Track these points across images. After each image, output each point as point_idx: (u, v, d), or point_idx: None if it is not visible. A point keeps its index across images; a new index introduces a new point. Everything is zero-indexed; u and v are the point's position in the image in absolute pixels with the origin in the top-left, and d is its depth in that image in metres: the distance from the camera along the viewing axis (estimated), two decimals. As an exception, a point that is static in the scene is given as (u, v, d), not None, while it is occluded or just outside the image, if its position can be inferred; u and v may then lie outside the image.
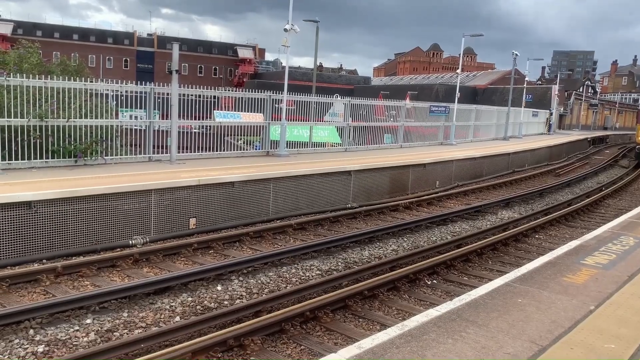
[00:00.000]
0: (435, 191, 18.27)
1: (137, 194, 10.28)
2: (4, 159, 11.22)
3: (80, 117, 12.40)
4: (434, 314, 5.15)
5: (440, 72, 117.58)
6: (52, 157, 12.03)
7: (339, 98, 22.91)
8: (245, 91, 17.35)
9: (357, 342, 4.64)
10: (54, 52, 75.55)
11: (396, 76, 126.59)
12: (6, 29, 79.99)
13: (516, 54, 33.72)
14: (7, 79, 11.44)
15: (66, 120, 12.04)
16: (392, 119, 23.82)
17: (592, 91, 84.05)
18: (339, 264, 9.77)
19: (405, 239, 11.89)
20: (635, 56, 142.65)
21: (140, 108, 13.97)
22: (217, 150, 15.78)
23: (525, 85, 40.20)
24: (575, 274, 6.28)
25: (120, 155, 13.37)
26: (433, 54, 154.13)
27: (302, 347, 6.29)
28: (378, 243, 11.42)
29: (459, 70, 29.75)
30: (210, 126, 16.22)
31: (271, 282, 8.53)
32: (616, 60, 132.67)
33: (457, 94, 26.80)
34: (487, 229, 12.85)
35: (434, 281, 9.08)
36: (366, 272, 8.97)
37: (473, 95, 62.49)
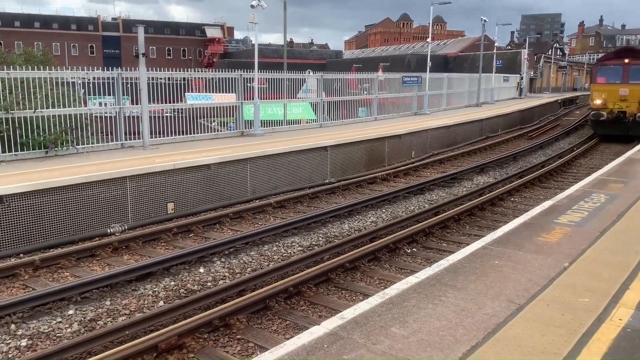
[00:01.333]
0: (412, 161, 18.41)
1: (112, 181, 10.15)
2: (-29, 154, 10.94)
3: (48, 107, 12.11)
4: (414, 281, 5.24)
5: (411, 42, 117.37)
6: (22, 150, 11.77)
7: (311, 74, 22.78)
8: (216, 71, 17.10)
9: (339, 312, 4.71)
10: (16, 42, 73.36)
11: (368, 48, 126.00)
12: (-37, 20, 77.13)
13: (485, 20, 33.79)
14: (-33, 71, 11.09)
15: (33, 111, 11.75)
16: (365, 92, 23.80)
17: (561, 53, 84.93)
18: (320, 239, 9.84)
19: (384, 210, 12.01)
20: (601, 16, 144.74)
21: (109, 95, 13.70)
22: (190, 134, 15.61)
23: (495, 52, 40.44)
24: (550, 233, 6.44)
25: (92, 143, 13.14)
26: (403, 24, 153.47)
27: (287, 322, 6.36)
28: (357, 216, 11.51)
29: (429, 39, 29.72)
30: (182, 109, 16.01)
31: (253, 261, 8.57)
32: (583, 22, 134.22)
33: (429, 63, 26.84)
34: (463, 195, 13.04)
35: (414, 249, 9.22)
36: (347, 245, 9.07)
37: (445, 64, 62.65)
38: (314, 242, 9.61)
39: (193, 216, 11.14)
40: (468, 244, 6.76)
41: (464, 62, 61.86)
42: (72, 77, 13.15)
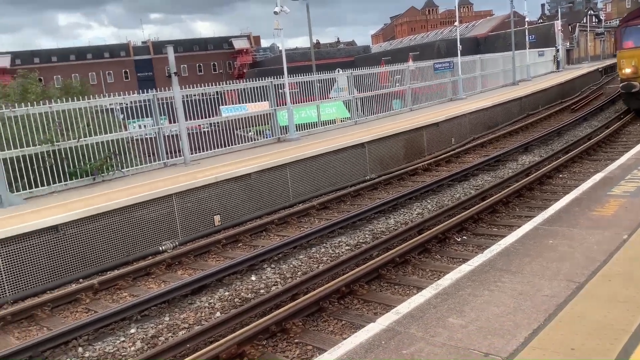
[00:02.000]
0: (452, 148, 18.11)
1: (159, 200, 10.40)
2: (24, 188, 11.42)
3: (90, 135, 12.52)
4: (467, 269, 5.14)
5: (438, 27, 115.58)
6: (71, 179, 12.20)
7: (340, 72, 22.75)
8: (247, 82, 17.30)
9: (394, 307, 4.67)
10: (55, 76, 76.19)
11: (395, 40, 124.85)
12: (4, 62, 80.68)
13: (512, -4, 32.93)
14: (13, 110, 11.59)
15: (76, 141, 12.17)
16: (397, 84, 23.57)
17: (597, 20, 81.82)
18: (367, 236, 9.79)
19: (429, 201, 11.85)
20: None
21: (148, 116, 14.04)
22: (228, 145, 15.82)
23: (526, 27, 39.36)
24: (604, 206, 6.20)
25: (136, 165, 13.50)
26: (429, 11, 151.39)
27: (343, 322, 6.35)
28: (402, 210, 11.40)
29: (456, 23, 29.22)
30: (218, 122, 16.25)
31: (303, 264, 8.60)
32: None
33: (459, 47, 26.35)
34: (509, 177, 12.73)
35: (464, 237, 9.06)
36: (395, 240, 8.98)
37: (476, 46, 61.42)
38: (361, 240, 9.57)
39: (239, 226, 11.28)
40: (519, 226, 6.59)
41: (496, 41, 60.52)
42: (110, 104, 13.56)
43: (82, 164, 12.36)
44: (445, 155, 16.68)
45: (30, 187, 11.50)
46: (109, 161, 12.82)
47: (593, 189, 6.93)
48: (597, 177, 7.54)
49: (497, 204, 10.41)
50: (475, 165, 14.56)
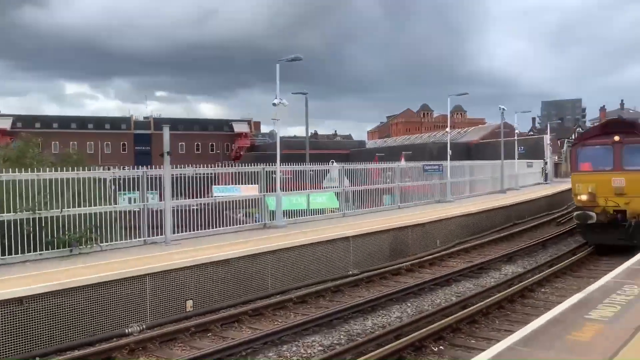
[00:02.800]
0: (437, 250, 18.03)
1: (131, 280, 10.12)
2: (-3, 254, 11.13)
3: (74, 206, 12.41)
4: (437, 387, 4.90)
5: (432, 130, 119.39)
6: (47, 249, 11.92)
7: (334, 164, 23.16)
8: (241, 165, 17.57)
9: None
10: (53, 142, 76.99)
11: (390, 138, 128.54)
12: (5, 124, 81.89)
13: (503, 109, 34.33)
14: None
15: (60, 211, 12.04)
16: (388, 180, 23.93)
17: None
18: (342, 337, 9.48)
19: (409, 304, 11.62)
20: (622, 100, 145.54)
21: (139, 189, 14.03)
22: (214, 227, 15.70)
23: (515, 138, 40.73)
24: (581, 330, 6.06)
25: (116, 240, 13.27)
26: (424, 114, 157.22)
27: None
28: (381, 311, 11.14)
29: (447, 129, 30.24)
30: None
31: (271, 362, 8.23)
32: (604, 106, 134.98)
33: (449, 152, 27.06)
34: (491, 287, 12.60)
35: (441, 347, 8.78)
36: (370, 344, 8.68)
37: (467, 151, 63.21)
38: (335, 341, 9.24)
39: (212, 314, 10.91)
40: (498, 340, 6.41)
41: (486, 149, 62.34)
42: (98, 176, 13.56)
43: (61, 234, 12.15)
44: (429, 257, 16.57)
45: (3, 254, 11.21)
46: (89, 234, 12.62)
47: (571, 310, 6.82)
48: (576, 297, 7.45)
49: (477, 314, 10.21)
50: (458, 270, 14.44)
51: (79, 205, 12.51)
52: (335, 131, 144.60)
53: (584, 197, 16.03)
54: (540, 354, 5.45)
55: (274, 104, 18.07)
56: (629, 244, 15.10)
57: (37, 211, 11.64)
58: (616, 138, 15.73)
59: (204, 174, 16.03)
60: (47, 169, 12.56)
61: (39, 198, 11.80)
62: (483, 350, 6.17)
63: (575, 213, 16.75)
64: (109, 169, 14.55)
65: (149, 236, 13.94)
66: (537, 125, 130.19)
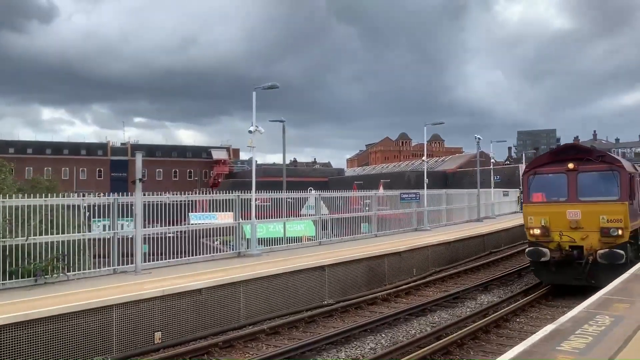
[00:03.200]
0: (413, 279, 17.93)
1: (97, 311, 9.78)
2: (-44, 284, 10.69)
3: (41, 234, 12.06)
4: None
5: (410, 159, 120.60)
6: (10, 278, 11.51)
7: (312, 191, 23.09)
8: (217, 192, 17.37)
9: None
10: (26, 168, 75.67)
11: (369, 166, 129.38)
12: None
13: (479, 138, 34.82)
14: (-38, 201, 11.20)
15: (25, 239, 11.67)
16: (366, 209, 23.90)
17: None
18: (314, 369, 9.24)
19: (384, 335, 11.44)
20: (595, 131, 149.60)
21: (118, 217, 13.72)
22: (188, 255, 15.39)
23: (492, 167, 41.30)
24: (553, 363, 5.97)
25: (84, 269, 12.89)
26: (402, 142, 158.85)
27: None
28: (355, 342, 10.95)
29: (424, 158, 30.49)
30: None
31: (240, 397, 7.96)
32: (577, 137, 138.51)
33: (426, 180, 27.23)
34: (467, 317, 12.50)
35: (414, 380, 8.59)
36: (342, 377, 8.47)
37: (444, 180, 63.84)
38: (307, 374, 9.01)
39: (182, 345, 10.58)
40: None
41: (463, 177, 63.06)
42: (68, 203, 13.24)
43: (26, 263, 11.75)
44: (405, 286, 16.45)
45: (-37, 284, 10.78)
46: (55, 262, 12.23)
47: (543, 341, 6.74)
48: (548, 328, 7.39)
49: (451, 345, 10.10)
50: (434, 300, 14.34)
51: (47, 233, 12.16)
52: (315, 159, 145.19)
53: (536, 231, 14.54)
54: (512, 388, 5.34)
55: (250, 131, 18.03)
56: (586, 285, 13.70)
57: (1, 239, 11.26)
58: (570, 165, 14.25)
59: (179, 201, 15.77)
60: (14, 195, 12.18)
61: (3, 225, 11.43)
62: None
63: (526, 249, 14.91)
64: (83, 196, 14.25)
65: (119, 265, 13.58)
66: (513, 154, 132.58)
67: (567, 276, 14.18)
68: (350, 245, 19.44)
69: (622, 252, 13.34)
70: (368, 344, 10.84)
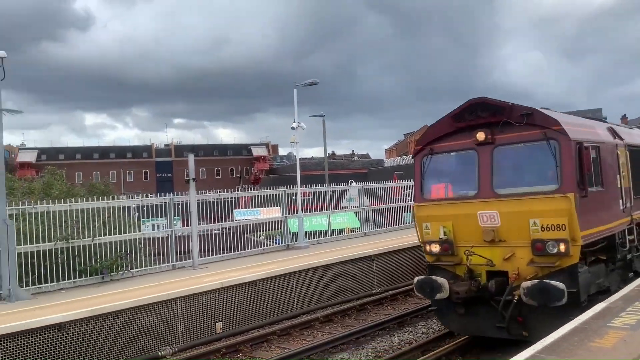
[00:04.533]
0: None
1: (163, 304, 10.46)
2: (34, 283, 11.60)
3: (104, 235, 12.88)
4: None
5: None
6: (80, 277, 12.37)
7: (353, 184, 23.45)
8: (262, 188, 18.00)
9: None
10: (76, 173, 78.64)
11: (408, 155, 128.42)
12: (31, 157, 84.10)
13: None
14: (34, 206, 12.09)
15: (91, 240, 12.51)
16: (408, 198, 24.09)
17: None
18: (369, 354, 9.64)
19: (435, 321, 11.72)
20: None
21: (163, 216, 14.48)
22: (238, 250, 16.06)
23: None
24: (603, 338, 6.18)
25: (145, 266, 13.69)
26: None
27: None
28: (408, 327, 11.29)
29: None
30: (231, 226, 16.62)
31: (301, 379, 8.45)
32: (625, 115, 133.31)
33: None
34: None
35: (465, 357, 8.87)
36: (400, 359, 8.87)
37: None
38: (363, 358, 9.42)
39: (241, 335, 11.17)
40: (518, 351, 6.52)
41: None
42: (128, 204, 14.06)
43: (93, 262, 12.59)
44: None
45: (40, 283, 11.68)
46: (119, 260, 13.05)
47: (594, 318, 6.93)
48: (599, 306, 7.55)
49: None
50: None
51: (108, 234, 12.97)
52: (353, 151, 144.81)
53: (434, 248, 9.25)
54: (564, 361, 5.60)
55: (293, 128, 18.52)
56: (509, 337, 8.60)
57: (70, 240, 12.11)
58: (480, 136, 8.82)
59: (225, 198, 16.46)
60: (79, 199, 13.05)
61: (72, 227, 12.28)
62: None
63: (416, 280, 9.33)
64: (133, 198, 15.06)
65: (176, 261, 14.33)
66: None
67: (485, 322, 8.86)
68: (395, 235, 19.72)
69: (560, 285, 7.73)
70: (420, 328, 11.17)
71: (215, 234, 16.36)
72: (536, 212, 8.24)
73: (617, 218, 9.51)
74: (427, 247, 9.45)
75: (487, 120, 8.85)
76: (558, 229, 8.05)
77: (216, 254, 15.46)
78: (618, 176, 9.78)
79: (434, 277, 9.03)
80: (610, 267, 9.43)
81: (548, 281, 7.86)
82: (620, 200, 9.79)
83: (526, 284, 8.00)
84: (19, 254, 11.21)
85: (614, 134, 10.32)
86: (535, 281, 7.97)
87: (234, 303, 11.69)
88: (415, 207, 9.88)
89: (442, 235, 9.12)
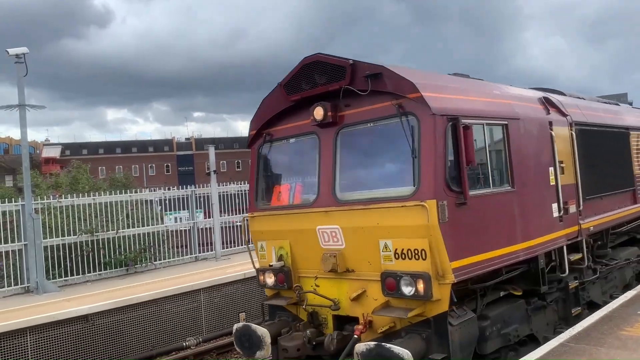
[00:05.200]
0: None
1: (187, 295, 10.56)
2: (60, 276, 11.80)
3: (128, 227, 13.03)
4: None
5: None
6: (105, 269, 12.56)
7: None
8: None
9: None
10: (99, 167, 79.85)
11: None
12: (55, 152, 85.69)
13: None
14: (59, 200, 12.28)
15: (115, 232, 12.67)
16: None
17: None
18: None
19: None
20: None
21: (184, 209, 14.61)
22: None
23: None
24: (633, 326, 6.05)
25: (168, 258, 13.83)
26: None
27: None
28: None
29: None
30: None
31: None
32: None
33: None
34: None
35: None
36: None
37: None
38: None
39: (264, 325, 11.21)
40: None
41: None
42: (150, 198, 14.20)
43: (117, 254, 12.76)
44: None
45: (66, 275, 11.88)
46: (143, 253, 13.20)
47: (623, 306, 6.79)
48: (629, 294, 7.40)
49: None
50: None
51: (132, 226, 13.12)
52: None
53: (269, 279, 6.67)
54: (592, 350, 5.49)
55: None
56: None
57: (95, 233, 12.28)
58: (317, 112, 6.17)
59: (246, 190, 16.47)
60: (103, 192, 13.22)
61: (97, 221, 12.45)
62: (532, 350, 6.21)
63: (234, 328, 6.61)
64: (155, 191, 15.20)
65: (199, 253, 14.45)
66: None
67: None
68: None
69: (402, 354, 4.94)
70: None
71: (237, 225, 16.40)
72: (386, 229, 5.49)
73: (546, 231, 6.62)
74: (261, 277, 6.71)
75: (326, 89, 6.05)
76: (416, 256, 5.28)
77: (238, 246, 15.53)
78: (551, 169, 6.89)
79: (253, 327, 6.27)
80: (536, 305, 6.70)
81: (388, 346, 5.00)
82: (555, 205, 6.88)
83: (360, 347, 5.23)
84: (45, 247, 11.41)
85: (549, 106, 7.33)
86: (372, 344, 5.16)
87: (257, 293, 11.73)
88: (249, 218, 7.03)
89: (274, 262, 6.50)
